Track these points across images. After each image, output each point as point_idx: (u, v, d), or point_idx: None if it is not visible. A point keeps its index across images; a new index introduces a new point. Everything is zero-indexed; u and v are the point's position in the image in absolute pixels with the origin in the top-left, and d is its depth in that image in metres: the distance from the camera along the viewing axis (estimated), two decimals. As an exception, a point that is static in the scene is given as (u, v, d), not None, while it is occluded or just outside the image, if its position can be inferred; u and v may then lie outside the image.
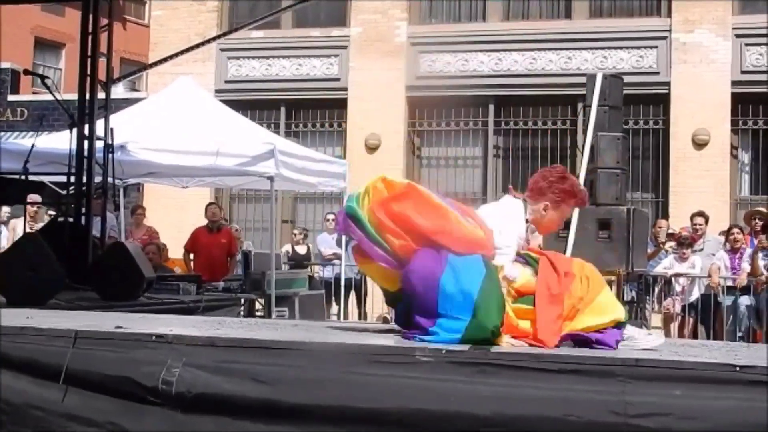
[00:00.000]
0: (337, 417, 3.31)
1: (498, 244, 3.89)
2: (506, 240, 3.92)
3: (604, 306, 3.82)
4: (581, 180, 9.04)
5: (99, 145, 8.88)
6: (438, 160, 15.95)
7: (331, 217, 13.79)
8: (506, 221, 3.99)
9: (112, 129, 8.79)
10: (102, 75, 9.23)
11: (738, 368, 3.15)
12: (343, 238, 12.83)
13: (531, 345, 3.64)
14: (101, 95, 9.25)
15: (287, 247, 13.86)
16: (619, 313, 3.84)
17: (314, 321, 8.08)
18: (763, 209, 12.02)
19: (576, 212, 8.86)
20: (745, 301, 10.72)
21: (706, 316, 11.06)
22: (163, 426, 3.44)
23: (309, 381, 3.35)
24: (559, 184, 4.11)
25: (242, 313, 9.71)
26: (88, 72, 8.96)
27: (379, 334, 4.16)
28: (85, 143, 8.81)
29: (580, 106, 12.40)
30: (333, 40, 15.97)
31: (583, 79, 9.93)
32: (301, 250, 13.66)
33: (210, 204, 12.92)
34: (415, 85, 15.55)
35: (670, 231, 12.10)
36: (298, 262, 13.06)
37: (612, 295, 3.98)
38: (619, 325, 3.82)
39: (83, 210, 8.70)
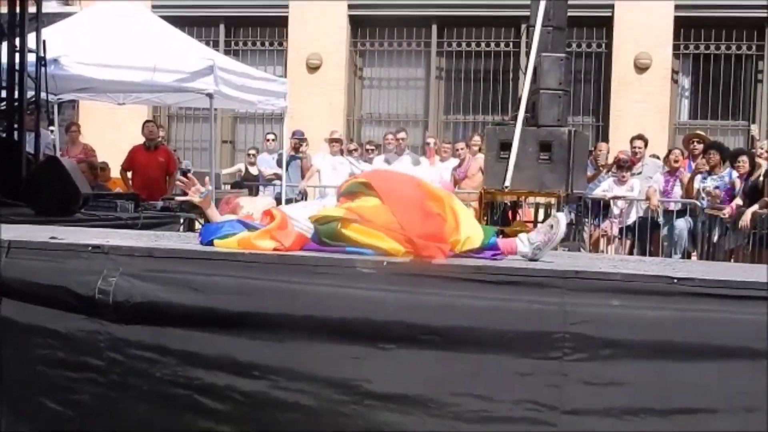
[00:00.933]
0: (273, 324, 3.29)
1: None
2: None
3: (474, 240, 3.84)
4: (523, 102, 9.05)
5: (31, 58, 8.64)
6: (380, 81, 15.82)
7: (271, 137, 13.66)
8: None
9: (44, 41, 8.56)
10: (33, -15, 8.95)
11: (676, 280, 3.18)
12: (284, 158, 12.73)
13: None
14: (32, 8, 8.98)
15: (240, 166, 13.74)
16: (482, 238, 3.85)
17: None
18: (702, 133, 12.18)
19: (517, 133, 8.88)
20: (681, 223, 10.90)
21: (643, 238, 11.23)
22: (98, 336, 3.38)
23: (247, 290, 3.31)
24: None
25: (181, 231, 9.60)
26: (19, -19, 8.68)
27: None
28: (17, 56, 8.57)
29: (523, 27, 12.33)
30: (274, -45, 15.62)
31: (527, 0, 9.86)
32: (254, 170, 13.56)
33: (147, 121, 12.69)
34: (357, 3, 15.31)
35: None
36: (251, 181, 12.95)
37: (473, 223, 3.94)
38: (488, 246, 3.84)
39: (15, 125, 8.49)
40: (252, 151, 13.90)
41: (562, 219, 3.87)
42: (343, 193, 3.89)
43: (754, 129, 11.95)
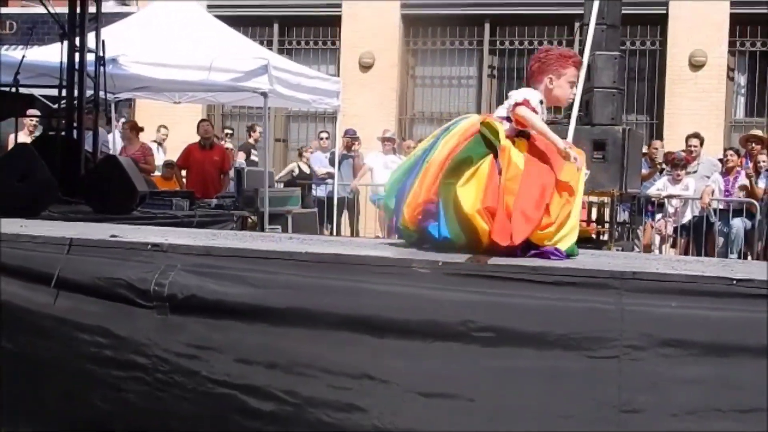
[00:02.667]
0: (325, 321, 3.32)
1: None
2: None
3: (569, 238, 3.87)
4: (577, 100, 9.00)
5: (90, 58, 8.78)
6: (432, 79, 15.83)
7: (324, 135, 13.73)
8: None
9: (103, 41, 8.69)
10: (93, -13, 9.09)
11: (735, 281, 3.15)
12: (336, 156, 12.80)
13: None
14: (92, 8, 9.12)
15: (293, 166, 13.84)
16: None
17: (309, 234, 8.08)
18: (760, 132, 12.02)
19: (571, 132, 8.83)
20: (737, 223, 10.76)
21: (698, 237, 11.11)
22: (151, 327, 3.44)
23: (301, 286, 3.34)
24: (549, 55, 4.15)
25: (235, 229, 9.69)
26: (79, -17, 8.82)
27: (375, 247, 4.16)
28: (77, 56, 8.71)
29: (577, 25, 12.28)
30: (328, -45, 15.71)
31: (581, -2, 9.81)
32: (305, 168, 13.66)
33: (202, 120, 12.86)
34: (410, 2, 15.33)
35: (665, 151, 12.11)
36: (304, 180, 13.03)
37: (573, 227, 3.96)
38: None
39: (74, 124, 8.64)
40: (306, 152, 13.97)
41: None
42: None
43: None
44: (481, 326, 3.20)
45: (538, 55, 4.19)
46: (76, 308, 3.63)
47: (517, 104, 3.96)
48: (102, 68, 8.58)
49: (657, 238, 11.56)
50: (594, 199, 9.85)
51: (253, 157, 13.54)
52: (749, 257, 10.61)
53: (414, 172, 3.98)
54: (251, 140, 13.77)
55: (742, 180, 10.84)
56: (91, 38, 8.90)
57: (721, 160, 11.77)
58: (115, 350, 3.49)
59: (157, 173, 12.66)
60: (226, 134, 14.30)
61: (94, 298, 3.60)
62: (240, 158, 13.54)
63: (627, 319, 3.11)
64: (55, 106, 9.42)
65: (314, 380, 3.27)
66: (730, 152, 11.29)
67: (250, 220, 10.51)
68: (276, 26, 16.01)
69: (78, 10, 8.84)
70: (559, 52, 4.20)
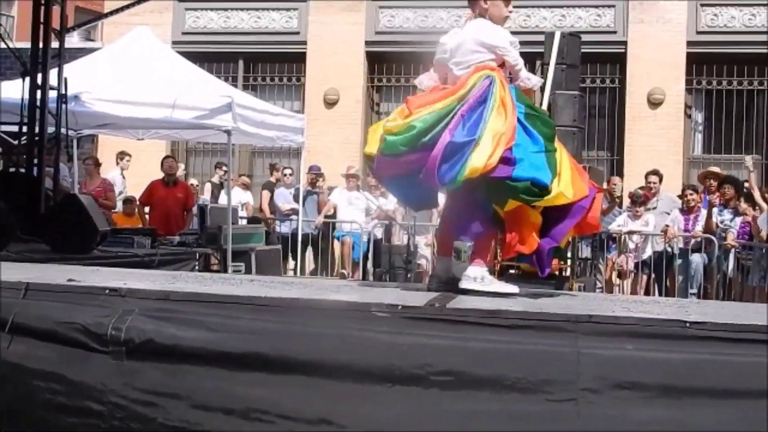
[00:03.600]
0: (284, 366, 3.31)
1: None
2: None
3: None
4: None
5: (52, 94, 8.75)
6: (396, 115, 15.89)
7: (288, 171, 13.74)
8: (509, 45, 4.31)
9: (65, 78, 8.66)
10: (56, 23, 9.07)
11: (688, 324, 3.20)
12: (301, 193, 12.80)
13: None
14: (55, 44, 9.09)
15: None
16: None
17: (271, 276, 8.07)
18: (717, 169, 12.19)
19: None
20: (696, 258, 10.90)
21: (658, 273, 11.22)
22: (106, 372, 3.41)
23: (259, 332, 3.34)
24: None
25: (197, 267, 9.65)
26: (42, 20, 8.80)
27: (336, 290, 4.17)
28: (38, 93, 8.68)
29: (538, 64, 12.40)
30: (292, -7, 15.80)
31: (541, 37, 9.96)
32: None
33: (167, 157, 12.83)
34: (374, 40, 15.45)
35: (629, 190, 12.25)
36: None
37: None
38: None
39: (35, 161, 8.59)
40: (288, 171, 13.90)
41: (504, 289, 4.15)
42: None
43: (748, 160, 11.91)
44: (440, 370, 3.22)
45: None
46: (30, 354, 3.59)
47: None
48: (64, 106, 8.55)
49: (615, 274, 11.68)
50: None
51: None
52: (708, 291, 10.73)
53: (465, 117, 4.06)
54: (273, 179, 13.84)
55: (703, 217, 10.98)
56: (54, 74, 8.87)
57: (680, 197, 11.91)
58: (69, 397, 3.45)
59: (119, 209, 12.58)
60: (219, 168, 14.13)
61: (49, 343, 3.56)
62: (206, 195, 13.55)
63: (583, 361, 3.15)
64: (16, 142, 9.36)
65: (271, 426, 3.26)
66: (689, 191, 11.44)
67: (213, 257, 10.48)
68: (241, 63, 16.05)
69: (41, 45, 8.81)
70: None
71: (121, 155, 13.58)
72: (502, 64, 4.28)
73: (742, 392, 3.08)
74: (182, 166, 14.59)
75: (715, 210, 10.77)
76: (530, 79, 4.37)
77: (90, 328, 3.48)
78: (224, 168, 13.23)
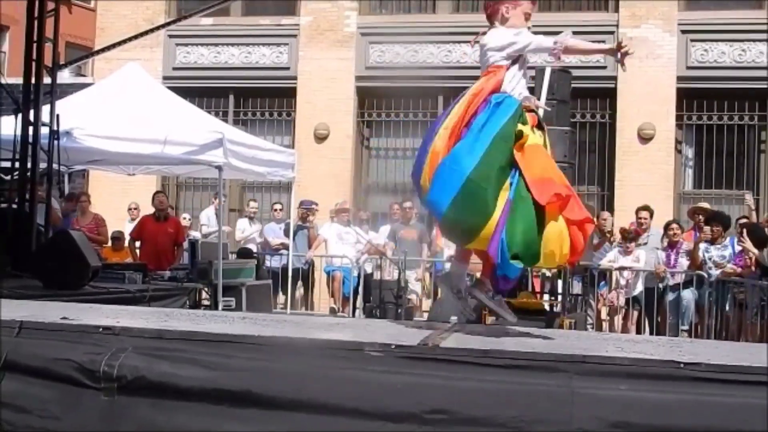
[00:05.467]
0: (276, 405, 3.30)
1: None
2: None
3: None
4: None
5: (44, 131, 8.77)
6: (387, 150, 15.97)
7: (278, 207, 13.75)
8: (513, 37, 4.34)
9: (57, 115, 8.70)
10: (48, 60, 9.11)
11: (682, 365, 3.21)
12: (291, 227, 12.81)
13: None
14: (47, 80, 9.13)
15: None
16: None
17: (263, 313, 8.05)
18: (706, 205, 12.25)
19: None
20: (687, 294, 10.92)
21: (649, 309, 11.24)
22: (97, 409, 3.39)
23: (253, 371, 3.33)
24: None
25: (188, 303, 9.63)
26: (34, 57, 8.85)
27: (329, 328, 4.17)
28: (30, 129, 8.70)
29: (528, 99, 12.48)
30: (283, 28, 15.89)
31: (531, 73, 10.00)
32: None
33: (157, 192, 12.82)
34: (364, 75, 15.53)
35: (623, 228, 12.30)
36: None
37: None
38: None
39: (27, 197, 8.59)
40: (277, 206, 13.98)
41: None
42: None
43: (748, 198, 12.05)
44: (433, 409, 3.21)
45: None
46: (22, 391, 3.57)
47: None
48: (56, 142, 8.57)
49: (604, 311, 11.70)
50: (546, 271, 9.94)
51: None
52: (699, 329, 10.75)
53: (430, 137, 4.20)
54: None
55: (684, 250, 11.04)
56: (46, 110, 8.90)
57: (664, 231, 11.94)
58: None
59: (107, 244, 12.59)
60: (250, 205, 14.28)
61: (41, 380, 3.55)
62: (195, 231, 13.56)
63: (577, 402, 3.15)
64: (8, 178, 9.36)
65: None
66: (675, 225, 11.49)
67: (204, 292, 10.45)
68: (231, 97, 16.10)
69: (33, 81, 8.85)
70: None
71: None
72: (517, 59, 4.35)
73: None
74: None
75: (702, 246, 10.81)
76: (558, 42, 4.31)
77: (83, 365, 3.47)
78: (277, 207, 13.49)
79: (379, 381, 3.31)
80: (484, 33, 4.49)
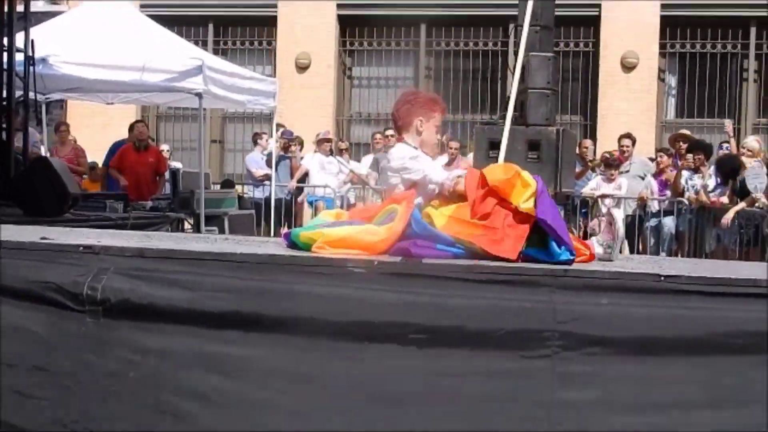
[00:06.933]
0: (260, 323, 3.29)
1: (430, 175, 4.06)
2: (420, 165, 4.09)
3: None
4: (512, 101, 9.09)
5: (19, 58, 8.63)
6: (369, 80, 15.86)
7: (265, 136, 13.65)
8: (408, 162, 4.12)
9: (32, 41, 8.54)
10: (21, -15, 8.93)
11: (663, 278, 3.22)
12: (273, 157, 12.74)
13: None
14: (20, 8, 8.96)
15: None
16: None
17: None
18: (687, 132, 12.26)
19: (506, 133, 8.90)
20: (668, 222, 10.98)
21: (630, 237, 11.29)
22: (82, 330, 3.37)
23: (234, 289, 3.32)
24: (418, 98, 4.30)
25: (170, 231, 9.60)
26: (7, -19, 8.66)
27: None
28: (4, 55, 8.55)
29: (511, 26, 12.41)
30: (262, -45, 15.63)
31: (515, 0, 9.90)
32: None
33: (137, 122, 12.69)
34: (346, 3, 15.33)
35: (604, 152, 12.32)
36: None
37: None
38: None
39: (4, 124, 8.48)
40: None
41: (617, 214, 4.04)
42: None
43: (728, 125, 12.09)
44: (417, 327, 3.22)
45: (406, 98, 4.30)
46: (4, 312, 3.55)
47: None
48: (31, 68, 8.44)
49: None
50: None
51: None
52: (679, 255, 10.82)
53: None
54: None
55: (669, 177, 11.08)
56: (19, 38, 8.74)
57: (652, 160, 11.98)
58: (46, 355, 3.41)
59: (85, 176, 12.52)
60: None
61: (23, 302, 3.52)
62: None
63: (559, 317, 3.16)
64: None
65: (246, 384, 3.24)
66: (660, 154, 11.51)
67: (186, 222, 10.43)
68: (211, 26, 15.88)
69: (6, 9, 8.68)
70: (427, 96, 4.38)
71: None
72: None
73: (717, 345, 3.12)
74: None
75: (684, 174, 10.84)
76: (446, 185, 4.03)
77: (65, 288, 3.44)
78: (264, 136, 13.19)
79: (362, 298, 3.31)
80: (392, 145, 4.32)
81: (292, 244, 3.87)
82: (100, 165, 12.81)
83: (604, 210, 11.59)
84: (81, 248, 3.59)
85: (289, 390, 3.22)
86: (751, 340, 3.07)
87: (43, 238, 3.82)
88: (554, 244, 3.58)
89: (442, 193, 4.04)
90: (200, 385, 3.25)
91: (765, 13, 14.04)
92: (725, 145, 11.70)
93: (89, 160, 12.98)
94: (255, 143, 13.71)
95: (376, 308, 3.27)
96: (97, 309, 3.39)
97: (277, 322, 3.27)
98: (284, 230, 12.74)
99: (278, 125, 13.15)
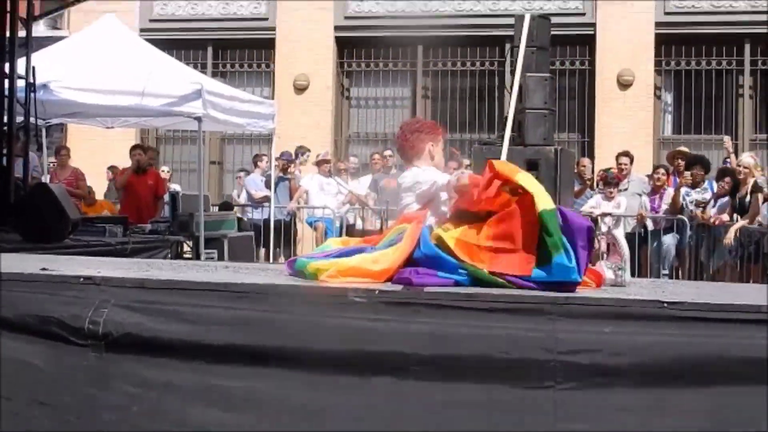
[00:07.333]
0: (264, 356, 3.28)
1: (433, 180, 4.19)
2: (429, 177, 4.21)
3: None
4: (509, 121, 9.11)
5: (20, 84, 8.66)
6: (367, 101, 15.90)
7: (265, 158, 13.66)
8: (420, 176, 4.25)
9: (33, 67, 8.58)
10: (22, 12, 8.97)
11: (666, 304, 3.21)
12: (272, 179, 12.76)
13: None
14: (22, 33, 8.99)
15: None
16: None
17: (244, 263, 8.02)
18: (685, 149, 12.29)
19: (504, 152, 8.92)
20: (668, 239, 10.98)
21: (631, 254, 11.29)
22: (85, 365, 3.36)
23: (236, 320, 3.31)
24: (424, 125, 4.47)
25: (170, 255, 9.59)
26: (8, 9, 8.70)
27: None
28: (6, 82, 8.58)
29: (507, 47, 12.43)
30: (260, -22, 15.70)
31: (509, 20, 9.93)
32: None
33: (136, 146, 12.72)
34: (343, 25, 15.39)
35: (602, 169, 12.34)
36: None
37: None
38: None
39: (5, 150, 8.50)
40: (241, 174, 13.94)
41: (618, 234, 4.05)
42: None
43: (727, 141, 12.16)
44: (418, 358, 3.20)
45: (411, 126, 4.43)
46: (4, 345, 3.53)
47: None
48: (32, 94, 8.46)
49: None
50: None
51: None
52: (680, 273, 10.83)
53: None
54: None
55: (669, 195, 11.08)
56: (21, 63, 8.77)
57: (649, 177, 11.98)
58: (47, 389, 3.40)
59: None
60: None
61: (23, 335, 3.50)
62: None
63: (560, 347, 3.14)
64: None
65: (250, 417, 3.23)
66: (661, 170, 11.52)
67: (185, 245, 10.42)
68: (210, 49, 15.94)
69: (7, 34, 8.71)
70: (429, 122, 4.57)
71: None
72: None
73: (721, 375, 3.10)
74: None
75: (682, 190, 10.86)
76: (448, 182, 4.16)
77: (67, 322, 3.42)
78: (264, 158, 13.23)
79: (363, 328, 3.30)
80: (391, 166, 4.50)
81: (298, 273, 3.87)
82: (103, 187, 12.81)
83: (604, 228, 11.61)
84: (81, 279, 3.58)
85: (292, 422, 3.21)
86: (755, 368, 3.06)
87: (43, 269, 3.81)
88: (564, 257, 3.51)
89: (452, 199, 4.10)
90: (204, 418, 3.24)
91: (759, 30, 14.12)
92: (728, 161, 11.74)
93: (89, 183, 12.99)
94: (255, 165, 13.76)
95: (377, 339, 3.26)
96: (100, 343, 3.38)
97: (279, 354, 3.26)
98: (282, 258, 12.77)
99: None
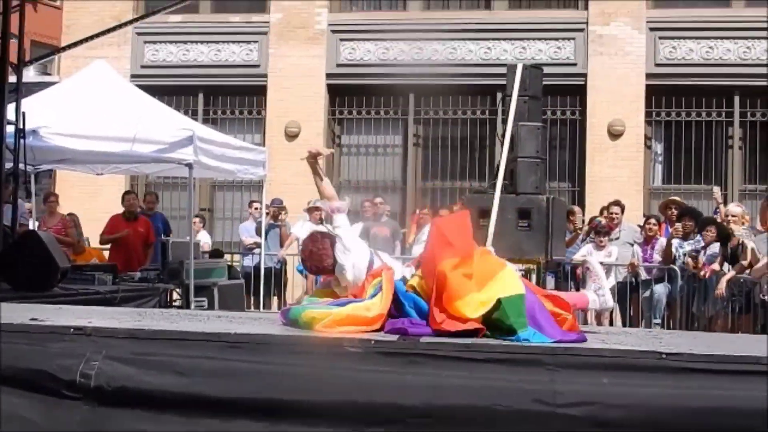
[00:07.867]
0: (259, 409, 3.23)
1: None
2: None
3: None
4: (501, 169, 9.12)
5: (10, 129, 8.62)
6: (358, 148, 15.90)
7: (255, 205, 13.62)
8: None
9: (23, 113, 8.54)
10: (13, 57, 8.96)
11: (664, 355, 3.18)
12: (263, 226, 12.70)
13: None
14: (12, 78, 8.98)
15: None
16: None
17: (236, 312, 7.96)
18: (678, 198, 12.30)
19: (496, 201, 8.91)
20: (659, 289, 10.95)
21: (622, 303, 11.26)
22: (78, 420, 3.30)
23: (230, 372, 3.26)
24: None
25: (159, 303, 9.51)
26: (-1, 54, 8.70)
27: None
28: (-4, 128, 8.55)
29: (499, 96, 12.49)
30: (253, 26, 15.75)
31: (502, 69, 9.98)
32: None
33: (127, 193, 12.66)
34: (335, 72, 15.46)
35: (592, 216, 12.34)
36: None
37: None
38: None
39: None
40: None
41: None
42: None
43: (716, 191, 12.20)
44: (414, 411, 3.15)
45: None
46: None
47: None
48: (22, 140, 8.43)
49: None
50: (520, 267, 9.91)
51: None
52: (671, 322, 10.78)
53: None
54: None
55: (660, 246, 11.07)
56: (11, 109, 8.75)
57: (640, 227, 11.98)
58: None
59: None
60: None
61: (15, 389, 3.43)
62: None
63: (559, 399, 3.10)
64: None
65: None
66: (652, 220, 11.51)
67: (175, 293, 10.34)
68: (201, 96, 15.94)
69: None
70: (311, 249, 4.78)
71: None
72: None
73: (720, 427, 3.06)
74: None
75: (675, 242, 10.85)
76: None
77: (57, 375, 3.35)
78: (256, 206, 13.18)
79: (359, 378, 3.25)
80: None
81: (292, 322, 3.85)
82: (91, 233, 12.72)
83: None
84: (72, 330, 3.53)
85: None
86: (755, 420, 3.02)
87: (32, 319, 3.76)
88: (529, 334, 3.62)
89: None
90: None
91: (748, 82, 14.24)
92: (718, 211, 11.75)
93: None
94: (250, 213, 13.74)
95: (371, 390, 3.21)
96: (91, 397, 3.32)
97: (275, 406, 3.21)
98: (275, 306, 12.72)
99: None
